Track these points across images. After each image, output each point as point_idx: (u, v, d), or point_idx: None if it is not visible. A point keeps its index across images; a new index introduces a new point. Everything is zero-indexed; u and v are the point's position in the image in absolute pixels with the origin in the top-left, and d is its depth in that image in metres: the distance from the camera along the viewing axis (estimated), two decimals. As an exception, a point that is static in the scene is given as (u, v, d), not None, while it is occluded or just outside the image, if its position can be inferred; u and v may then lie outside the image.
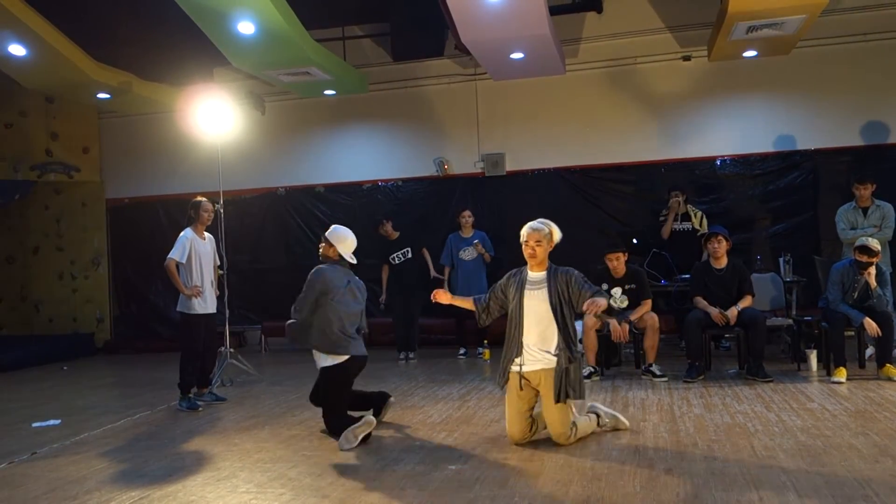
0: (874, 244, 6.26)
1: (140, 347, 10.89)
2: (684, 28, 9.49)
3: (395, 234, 8.68)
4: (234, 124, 8.10)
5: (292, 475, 4.15)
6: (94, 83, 9.16)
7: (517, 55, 8.65)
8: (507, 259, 9.82)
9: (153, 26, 8.98)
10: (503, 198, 9.98)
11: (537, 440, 4.65)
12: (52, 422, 5.95)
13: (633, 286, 6.89)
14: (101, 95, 9.75)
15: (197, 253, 6.34)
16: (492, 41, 8.16)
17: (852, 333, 6.58)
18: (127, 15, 8.86)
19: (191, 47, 9.26)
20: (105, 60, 9.11)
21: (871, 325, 6.17)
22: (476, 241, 8.64)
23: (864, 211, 7.27)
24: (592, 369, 6.78)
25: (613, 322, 6.76)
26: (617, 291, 6.99)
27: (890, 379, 6.10)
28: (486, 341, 8.64)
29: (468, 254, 8.67)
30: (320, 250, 5.28)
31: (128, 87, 9.58)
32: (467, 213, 8.79)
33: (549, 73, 9.56)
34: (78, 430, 5.60)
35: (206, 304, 6.39)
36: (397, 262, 8.62)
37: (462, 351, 8.78)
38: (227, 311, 7.38)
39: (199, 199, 6.57)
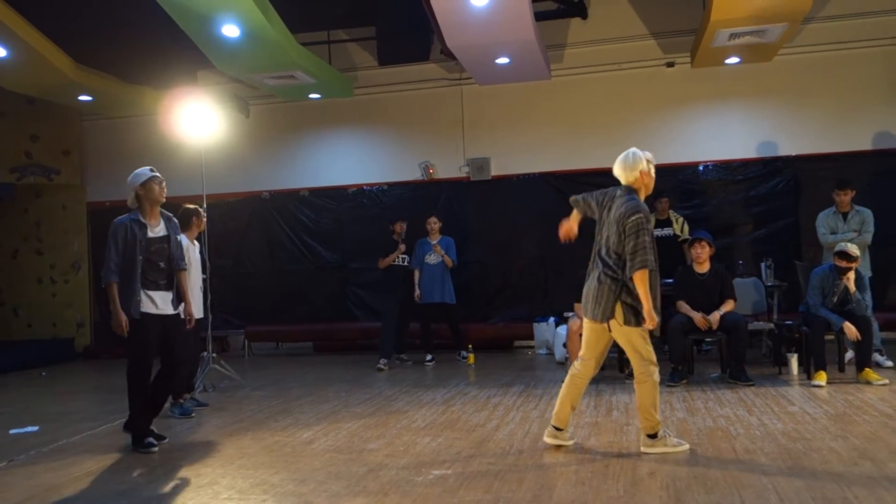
0: (853, 249, 6.31)
1: (121, 353, 10.76)
2: (668, 35, 9.57)
3: (403, 235, 8.72)
4: (218, 127, 8.06)
5: (275, 481, 4.12)
6: (76, 85, 9.09)
7: (503, 60, 8.68)
8: (495, 261, 9.89)
9: (136, 29, 8.93)
10: (489, 202, 10.00)
11: (521, 447, 4.65)
12: (29, 428, 5.87)
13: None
14: (83, 98, 9.67)
15: (189, 261, 6.28)
16: (477, 46, 8.18)
17: (832, 337, 6.63)
18: (110, 17, 8.80)
19: (174, 50, 9.23)
20: (87, 63, 9.04)
21: (850, 330, 6.23)
22: (434, 243, 8.66)
23: (844, 216, 7.35)
24: (576, 374, 6.78)
25: (597, 326, 6.77)
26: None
27: (869, 382, 6.16)
28: (469, 346, 8.64)
29: (432, 258, 8.70)
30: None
31: (110, 89, 9.51)
32: (433, 219, 8.83)
33: (534, 79, 9.60)
34: (56, 437, 5.53)
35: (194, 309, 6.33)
36: (396, 262, 8.62)
37: (429, 357, 8.70)
38: (210, 316, 7.34)
39: (190, 206, 6.52)
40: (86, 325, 11.25)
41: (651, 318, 4.21)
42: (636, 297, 4.22)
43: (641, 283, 4.18)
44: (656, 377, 4.33)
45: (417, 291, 8.71)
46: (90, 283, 11.29)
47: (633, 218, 4.23)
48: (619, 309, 4.27)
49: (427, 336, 8.83)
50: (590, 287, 4.44)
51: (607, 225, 4.42)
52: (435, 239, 8.77)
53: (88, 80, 9.13)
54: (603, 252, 4.41)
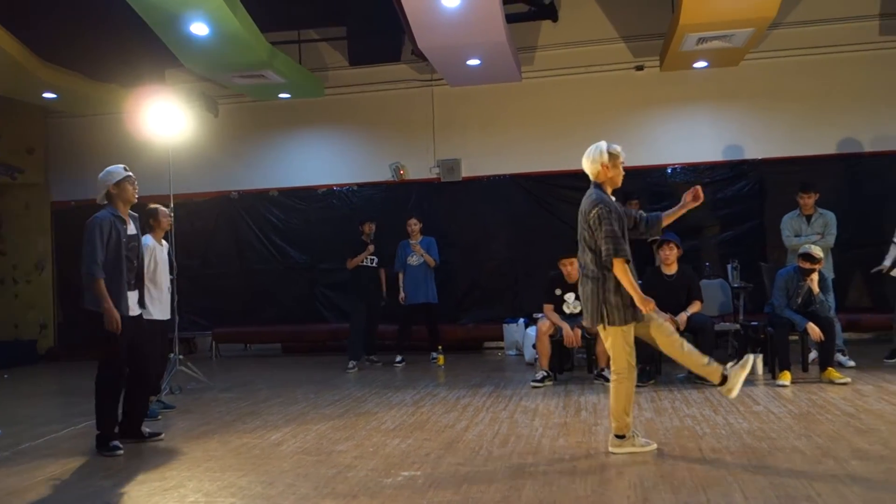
0: (817, 251, 6.43)
1: (86, 355, 10.58)
2: (637, 38, 9.66)
3: (372, 236, 8.71)
4: (186, 126, 7.96)
5: (242, 484, 4.08)
6: (41, 82, 8.92)
7: (474, 61, 8.70)
8: (464, 263, 9.89)
9: (103, 26, 8.79)
10: (459, 203, 10.02)
11: (490, 447, 4.66)
12: (-9, 431, 5.76)
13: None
14: (48, 95, 9.50)
15: (156, 261, 6.20)
16: (448, 47, 8.19)
17: (796, 338, 6.74)
18: (76, 14, 8.66)
19: (142, 48, 9.10)
20: (53, 60, 8.88)
21: (814, 330, 6.34)
22: (413, 243, 8.67)
23: (808, 219, 7.47)
24: (546, 374, 6.83)
25: (566, 327, 6.83)
26: (570, 297, 7.07)
27: (832, 382, 6.26)
28: (439, 346, 8.64)
29: (415, 259, 8.71)
30: None
31: (76, 87, 9.35)
32: (413, 220, 8.83)
33: (505, 80, 9.63)
34: (19, 440, 5.42)
35: (162, 310, 6.26)
36: (365, 263, 8.60)
37: (399, 359, 8.66)
38: (177, 317, 7.25)
39: (153, 206, 6.43)
40: (49, 326, 11.05)
41: (644, 303, 4.22)
42: (618, 295, 4.25)
43: (622, 272, 4.21)
44: (634, 377, 4.37)
45: (402, 294, 8.70)
46: (53, 284, 11.09)
47: (593, 212, 4.28)
48: (603, 310, 4.29)
49: (404, 337, 8.80)
50: (581, 294, 4.48)
51: (580, 222, 4.43)
52: (416, 240, 8.76)
53: (54, 78, 8.97)
54: (579, 253, 4.44)
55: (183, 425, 5.76)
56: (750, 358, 4.42)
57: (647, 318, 4.38)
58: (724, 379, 4.37)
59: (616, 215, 4.30)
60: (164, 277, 6.34)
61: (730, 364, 4.44)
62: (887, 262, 7.50)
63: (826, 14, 9.20)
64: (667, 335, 4.43)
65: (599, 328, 4.39)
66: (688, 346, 4.44)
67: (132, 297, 5.15)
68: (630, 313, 4.29)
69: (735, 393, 4.39)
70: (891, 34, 9.14)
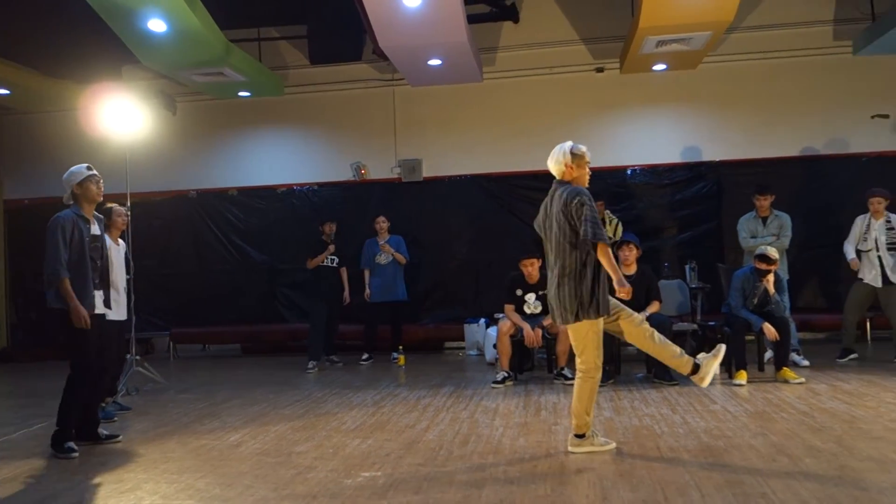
0: (772, 252, 6.55)
1: (40, 356, 10.34)
2: (598, 40, 9.76)
3: (332, 236, 8.66)
4: (143, 124, 7.82)
5: (200, 486, 4.02)
6: (-9, 78, 8.72)
7: (435, 62, 8.70)
8: (426, 263, 9.89)
9: (57, 21, 8.60)
10: (420, 204, 10.01)
11: (451, 447, 4.66)
12: (-61, 435, 5.59)
13: (546, 292, 7.00)
14: (0, 91, 9.26)
15: (112, 261, 6.07)
16: (410, 47, 8.18)
17: (752, 338, 6.86)
18: (29, 8, 8.46)
19: (98, 44, 8.92)
20: (5, 55, 8.68)
21: (769, 330, 6.47)
22: (382, 242, 8.65)
23: (764, 220, 7.62)
24: (506, 374, 6.85)
25: (527, 327, 6.86)
26: (531, 297, 7.11)
27: (787, 381, 6.39)
28: (400, 347, 8.62)
29: (383, 258, 8.68)
30: None
31: (29, 83, 9.14)
32: (381, 218, 8.81)
33: (466, 81, 9.65)
34: (-32, 444, 5.28)
35: (118, 311, 6.13)
36: (325, 263, 8.55)
37: (365, 356, 8.67)
38: (134, 318, 7.12)
39: (108, 205, 6.30)
40: (1, 327, 10.76)
41: (622, 285, 4.21)
42: (593, 289, 4.24)
43: (604, 255, 4.20)
44: (599, 377, 4.39)
45: (367, 291, 8.67)
46: (5, 283, 10.82)
47: (575, 200, 4.23)
48: (580, 307, 4.26)
49: (373, 337, 8.76)
50: (553, 295, 4.43)
51: (553, 221, 4.37)
52: (384, 238, 8.73)
53: (6, 73, 8.77)
54: (553, 254, 4.39)
55: (140, 427, 5.66)
56: (722, 347, 4.50)
57: (616, 311, 4.41)
58: (696, 368, 4.41)
59: (595, 205, 4.31)
60: (120, 277, 6.22)
61: (702, 354, 4.50)
62: (850, 254, 7.54)
63: (781, 19, 9.41)
64: (636, 325, 4.47)
65: (570, 326, 4.36)
66: (659, 337, 4.47)
67: (98, 296, 5.12)
68: (604, 306, 4.29)
69: (707, 382, 4.43)
70: (843, 39, 9.38)
